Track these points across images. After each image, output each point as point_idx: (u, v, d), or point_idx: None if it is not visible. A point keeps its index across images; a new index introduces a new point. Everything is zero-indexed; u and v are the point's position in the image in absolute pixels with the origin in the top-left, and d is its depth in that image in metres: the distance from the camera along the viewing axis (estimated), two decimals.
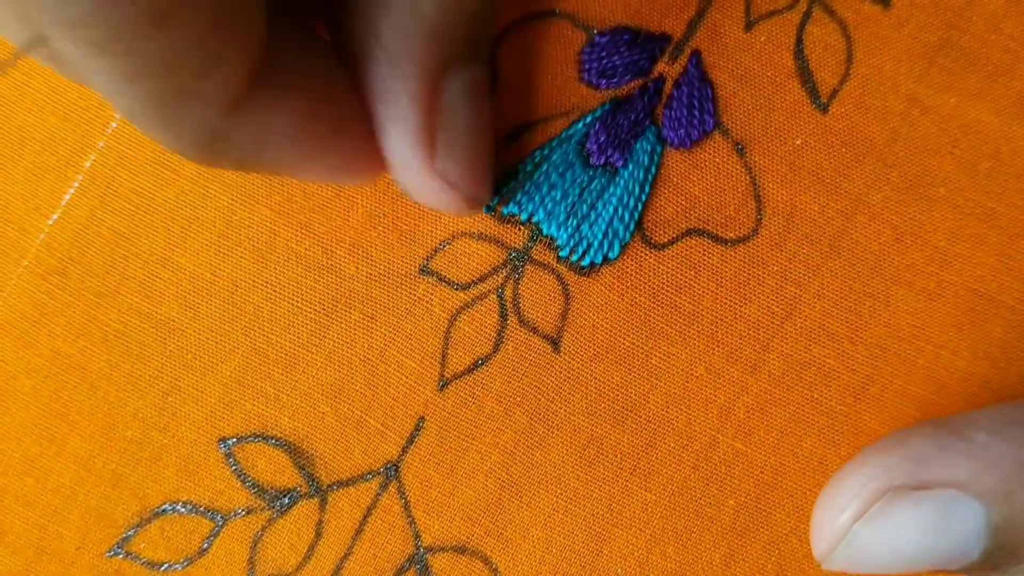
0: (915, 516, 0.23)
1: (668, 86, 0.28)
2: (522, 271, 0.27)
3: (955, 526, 0.23)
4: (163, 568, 0.28)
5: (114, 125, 0.29)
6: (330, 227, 0.28)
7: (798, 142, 0.27)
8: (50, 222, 0.29)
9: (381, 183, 0.28)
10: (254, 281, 0.28)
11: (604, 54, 0.28)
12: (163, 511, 0.28)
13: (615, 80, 0.27)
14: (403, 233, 0.28)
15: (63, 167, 0.29)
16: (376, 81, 0.23)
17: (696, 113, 0.28)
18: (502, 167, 0.28)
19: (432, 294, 0.28)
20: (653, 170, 0.27)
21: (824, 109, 0.27)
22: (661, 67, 0.28)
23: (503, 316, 0.27)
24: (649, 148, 0.27)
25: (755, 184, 0.28)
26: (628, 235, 0.27)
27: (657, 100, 0.28)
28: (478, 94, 0.24)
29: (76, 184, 0.29)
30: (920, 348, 0.27)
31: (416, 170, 0.24)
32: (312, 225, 0.28)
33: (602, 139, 0.27)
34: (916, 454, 0.23)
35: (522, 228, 0.28)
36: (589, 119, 0.27)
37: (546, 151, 0.27)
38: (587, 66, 0.28)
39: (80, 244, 0.28)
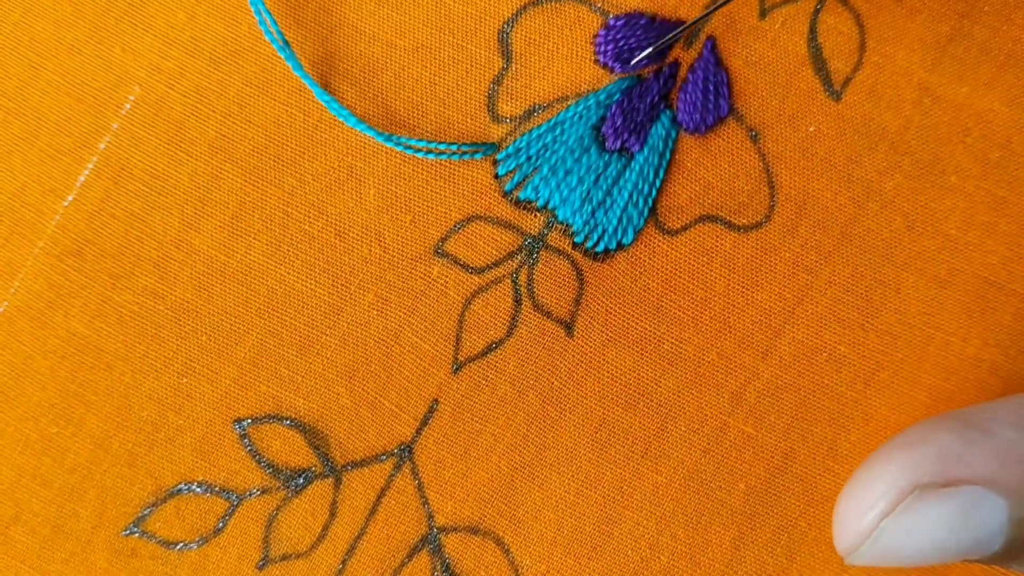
0: (942, 513, 0.23)
1: (683, 71, 0.28)
2: (537, 256, 0.28)
3: (979, 521, 0.23)
4: (178, 547, 0.28)
5: (128, 107, 0.29)
6: (343, 208, 0.28)
7: (811, 129, 0.28)
8: (65, 203, 0.29)
9: (391, 166, 0.28)
10: (268, 262, 0.28)
11: (620, 36, 0.28)
12: (178, 491, 0.28)
13: (631, 63, 0.28)
14: (417, 215, 0.28)
15: (78, 149, 0.29)
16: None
17: (711, 98, 0.28)
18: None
19: (447, 277, 0.28)
20: (668, 155, 0.28)
21: (837, 97, 0.28)
22: (676, 52, 0.28)
23: (517, 300, 0.28)
24: (664, 133, 0.28)
25: (768, 171, 0.28)
26: (642, 221, 0.28)
27: (672, 84, 0.28)
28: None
29: (91, 166, 0.29)
30: (930, 335, 0.27)
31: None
32: (325, 207, 0.28)
33: (618, 123, 0.28)
34: (942, 451, 0.24)
35: (538, 214, 0.28)
36: (603, 96, 0.27)
37: (559, 132, 0.27)
38: (602, 48, 0.28)
39: (95, 225, 0.29)
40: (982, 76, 0.28)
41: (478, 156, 0.28)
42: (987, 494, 0.23)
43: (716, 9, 0.28)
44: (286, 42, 0.28)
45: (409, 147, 0.28)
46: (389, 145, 0.28)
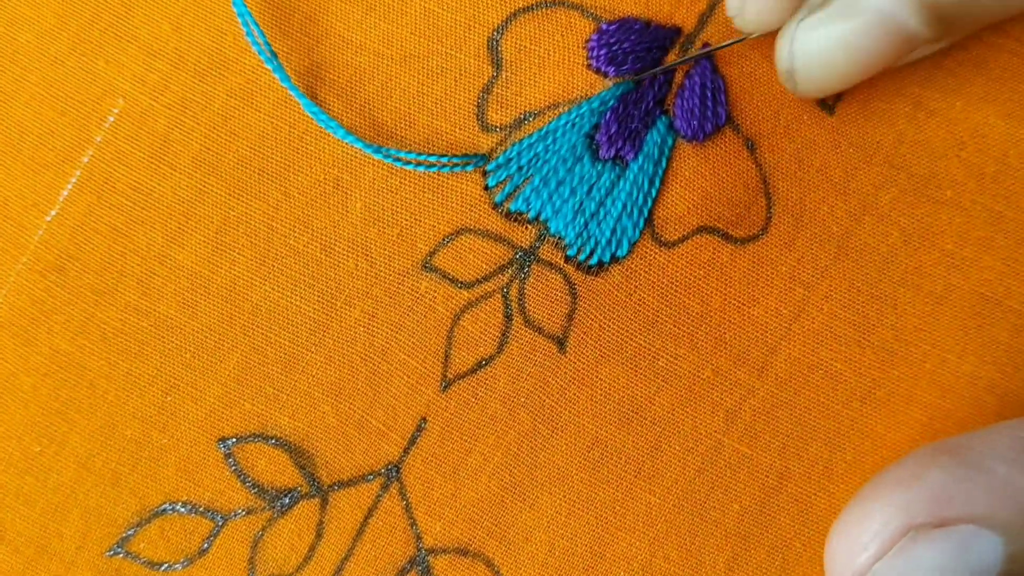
0: (936, 555, 0.23)
1: (679, 76, 0.27)
2: (528, 270, 0.27)
3: (973, 560, 0.23)
4: (163, 568, 0.28)
5: (111, 119, 0.28)
6: (328, 222, 0.28)
7: (807, 139, 0.27)
8: (48, 218, 0.28)
9: (378, 178, 0.27)
10: (252, 278, 0.28)
11: (613, 40, 0.28)
12: (163, 511, 0.28)
13: (625, 67, 0.27)
14: (404, 228, 0.28)
15: (61, 162, 0.28)
16: None
17: (709, 104, 0.27)
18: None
19: (435, 292, 0.27)
20: (663, 163, 0.27)
21: (831, 111, 0.27)
22: (671, 58, 0.27)
23: (508, 316, 0.27)
24: (660, 139, 0.27)
25: (765, 181, 0.27)
26: (637, 232, 0.27)
27: (667, 90, 0.28)
28: (883, 27, 0.24)
29: (74, 179, 0.28)
30: (926, 352, 0.27)
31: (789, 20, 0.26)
32: (310, 221, 0.28)
33: (613, 130, 0.27)
34: (935, 490, 0.23)
35: (529, 226, 0.27)
36: (597, 102, 0.27)
37: (551, 141, 0.27)
38: (595, 53, 0.28)
39: (78, 240, 0.28)
40: (977, 90, 0.27)
41: (468, 168, 0.28)
42: (981, 532, 0.23)
43: (722, 47, 0.28)
44: (273, 53, 0.28)
45: (398, 159, 0.27)
46: (378, 157, 0.28)
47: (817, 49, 0.25)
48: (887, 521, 0.24)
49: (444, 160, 0.28)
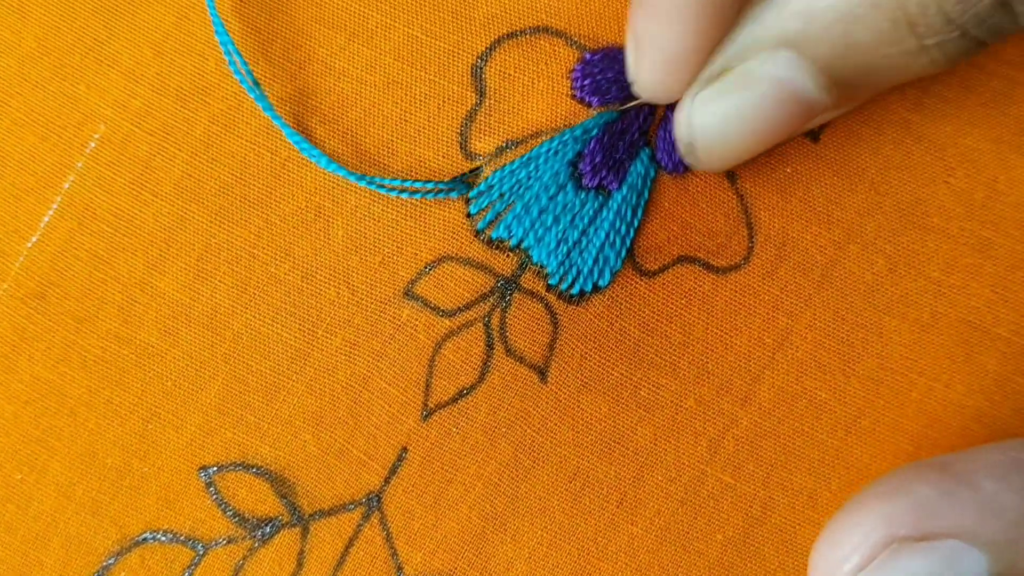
0: (918, 568, 0.23)
1: (661, 108, 0.27)
2: (510, 299, 0.27)
3: (957, 575, 0.22)
4: None
5: (93, 145, 0.28)
6: (310, 250, 0.28)
7: (788, 170, 0.27)
8: (29, 244, 0.28)
9: (360, 206, 0.27)
10: (234, 306, 0.28)
11: (597, 70, 0.27)
12: (143, 540, 0.28)
13: (609, 97, 0.27)
14: (386, 256, 0.28)
15: (42, 188, 0.28)
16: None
17: None
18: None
19: (417, 320, 0.27)
20: (646, 194, 0.27)
21: (815, 138, 0.27)
22: None
23: (489, 345, 0.27)
24: (643, 171, 0.27)
25: (747, 211, 0.27)
26: (619, 262, 0.27)
27: (651, 120, 0.27)
28: (784, 99, 0.24)
29: (55, 206, 0.28)
30: (913, 381, 0.27)
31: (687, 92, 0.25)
32: (292, 248, 0.28)
33: (598, 159, 0.27)
34: (920, 503, 0.23)
35: (511, 255, 0.27)
36: (580, 131, 0.27)
37: (533, 168, 0.27)
38: (579, 83, 0.27)
39: (59, 267, 0.28)
40: (966, 114, 0.27)
41: (452, 195, 0.28)
42: (966, 548, 0.23)
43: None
44: (256, 82, 0.27)
45: (382, 186, 0.27)
46: (361, 185, 0.27)
47: (715, 122, 0.24)
48: (869, 533, 0.24)
49: (430, 186, 0.27)
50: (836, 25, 0.23)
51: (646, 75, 0.25)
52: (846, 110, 0.26)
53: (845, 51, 0.23)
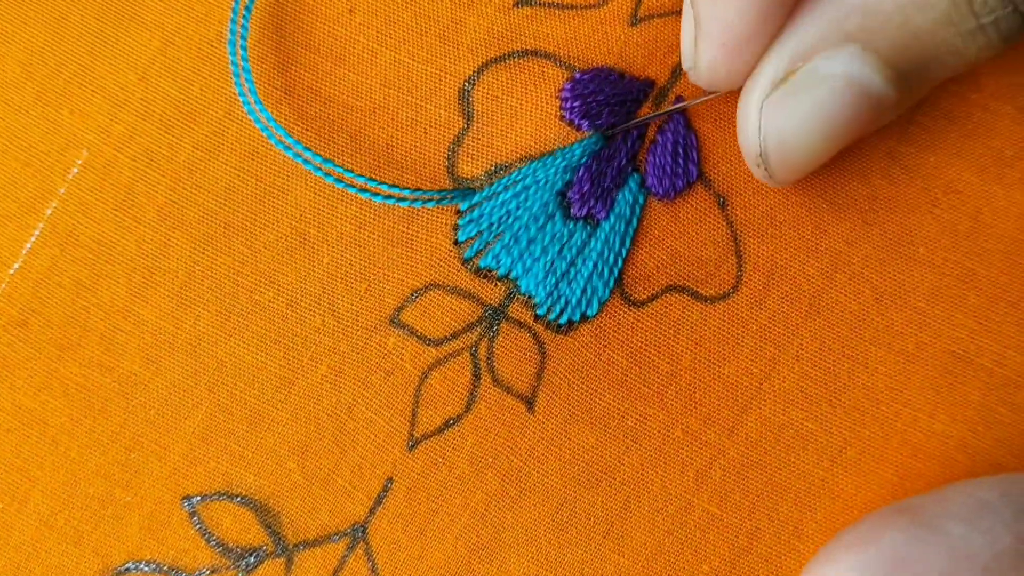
0: None
1: (651, 131, 0.27)
2: (497, 329, 0.27)
3: None
4: None
5: (75, 171, 0.28)
6: (295, 277, 0.28)
7: (777, 198, 0.27)
8: (11, 271, 0.28)
9: (346, 233, 0.27)
10: (217, 334, 0.28)
11: (588, 91, 0.27)
12: (126, 570, 0.28)
13: (599, 121, 0.27)
14: (372, 283, 0.28)
15: (24, 214, 0.28)
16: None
17: (680, 162, 0.27)
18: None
19: (403, 348, 0.27)
20: (635, 222, 0.27)
21: None
22: (645, 111, 0.27)
23: (476, 374, 0.27)
24: (631, 198, 0.27)
25: (736, 239, 0.27)
26: (607, 292, 0.27)
27: (640, 145, 0.27)
28: (852, 95, 0.24)
29: (37, 232, 0.28)
30: (898, 411, 0.27)
31: (750, 98, 0.24)
32: (276, 276, 0.28)
33: (586, 188, 0.27)
34: (889, 553, 0.23)
35: (499, 284, 0.27)
36: (569, 158, 0.27)
37: (523, 198, 0.27)
38: (569, 104, 0.27)
39: (41, 295, 0.28)
40: (950, 145, 0.27)
41: (445, 203, 0.27)
42: None
43: (696, 103, 0.27)
44: (271, 119, 0.27)
45: (391, 196, 0.27)
46: (363, 194, 0.27)
47: (789, 126, 0.24)
48: None
49: (432, 194, 0.27)
50: (896, 14, 0.23)
51: (707, 57, 0.25)
52: (903, 110, 0.25)
53: (906, 39, 0.23)
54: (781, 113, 0.24)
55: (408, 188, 0.27)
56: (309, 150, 0.27)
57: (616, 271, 0.27)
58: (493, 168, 0.28)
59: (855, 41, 0.23)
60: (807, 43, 0.24)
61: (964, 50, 0.24)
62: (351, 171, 0.28)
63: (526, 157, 0.28)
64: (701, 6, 0.24)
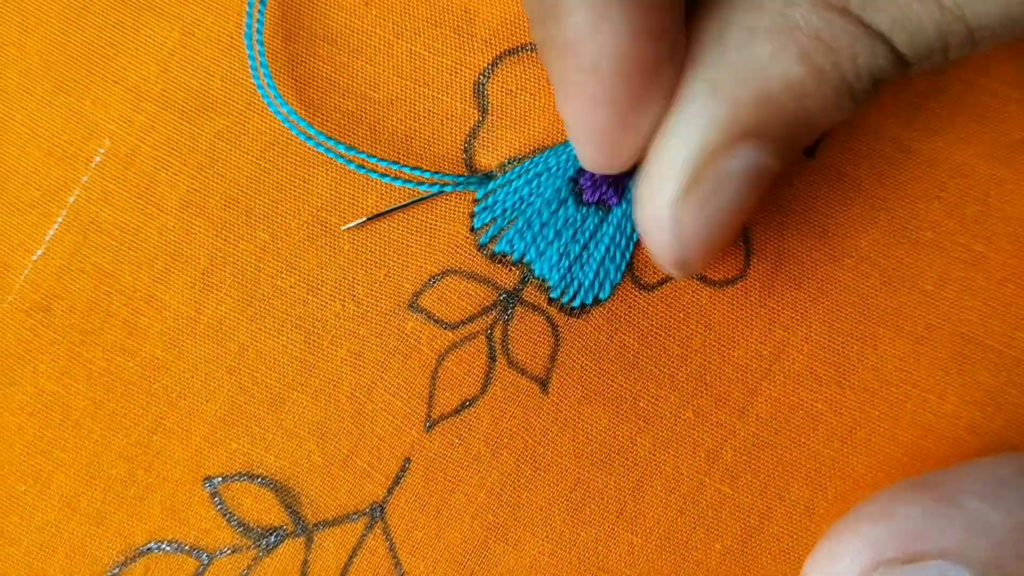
0: None
1: None
2: (512, 312, 0.28)
3: None
4: None
5: (98, 160, 0.29)
6: (315, 263, 0.28)
7: (785, 185, 0.27)
8: (34, 258, 0.29)
9: (365, 226, 0.28)
10: (239, 318, 0.28)
11: None
12: (148, 550, 0.28)
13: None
14: (391, 269, 0.28)
15: (47, 202, 0.29)
16: (684, 91, 0.23)
17: None
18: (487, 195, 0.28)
19: (420, 332, 0.28)
20: None
21: (811, 155, 0.28)
22: None
23: (492, 357, 0.28)
24: None
25: (744, 225, 0.28)
26: (619, 276, 0.28)
27: None
28: (753, 183, 0.24)
29: (60, 219, 0.29)
30: (907, 392, 0.27)
31: (658, 203, 0.24)
32: (297, 262, 0.28)
33: (597, 175, 0.27)
34: (906, 525, 0.24)
35: (513, 269, 0.28)
36: None
37: (535, 184, 0.27)
38: None
39: (64, 280, 0.28)
40: (958, 130, 0.28)
41: (474, 187, 0.28)
42: (952, 568, 0.23)
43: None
44: (292, 110, 0.28)
45: (411, 179, 0.28)
46: (384, 179, 0.28)
47: (706, 228, 0.24)
48: (857, 556, 0.24)
49: (449, 179, 0.28)
50: (790, 104, 0.23)
51: (589, 157, 0.25)
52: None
53: (796, 122, 0.23)
54: (696, 217, 0.24)
55: (428, 171, 0.28)
56: (332, 139, 0.28)
57: (627, 255, 0.28)
58: (508, 160, 0.28)
59: (754, 134, 0.23)
60: (706, 135, 0.23)
61: (841, 117, 0.24)
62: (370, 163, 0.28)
63: (540, 148, 0.28)
64: (566, 115, 0.24)
